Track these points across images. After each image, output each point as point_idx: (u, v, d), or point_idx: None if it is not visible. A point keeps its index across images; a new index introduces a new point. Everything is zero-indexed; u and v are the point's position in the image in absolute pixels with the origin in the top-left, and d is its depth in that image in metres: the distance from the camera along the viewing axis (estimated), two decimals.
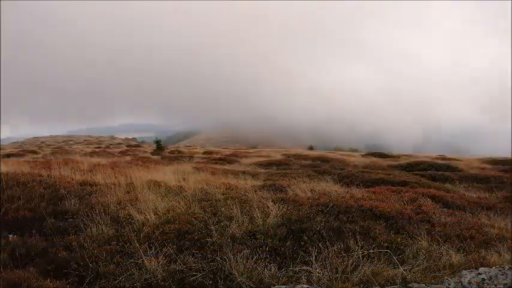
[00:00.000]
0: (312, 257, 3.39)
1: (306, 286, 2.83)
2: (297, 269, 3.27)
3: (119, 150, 30.00)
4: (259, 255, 3.37)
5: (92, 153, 20.34)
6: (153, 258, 3.33)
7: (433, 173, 12.12)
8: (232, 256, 3.31)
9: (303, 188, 7.24)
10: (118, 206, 5.17)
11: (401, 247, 3.94)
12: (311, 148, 43.98)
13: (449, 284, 2.74)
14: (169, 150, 29.52)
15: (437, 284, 2.82)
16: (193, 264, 3.28)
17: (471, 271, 2.79)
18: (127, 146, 42.05)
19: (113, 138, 78.73)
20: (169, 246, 3.61)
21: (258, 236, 3.93)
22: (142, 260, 3.30)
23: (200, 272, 3.16)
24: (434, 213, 5.67)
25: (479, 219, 5.65)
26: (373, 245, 3.83)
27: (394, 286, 2.83)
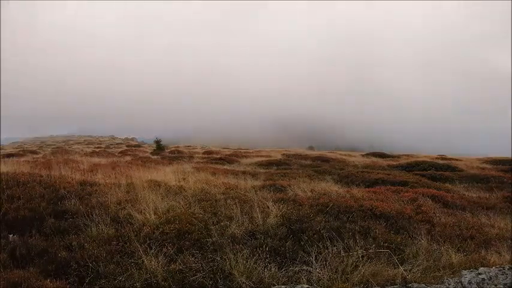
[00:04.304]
0: (312, 257, 3.39)
1: (306, 286, 2.83)
2: (297, 269, 3.27)
3: (119, 150, 29.99)
4: (259, 255, 3.37)
5: (92, 153, 20.33)
6: (153, 258, 3.33)
7: (433, 173, 12.12)
8: (232, 256, 3.31)
9: (303, 188, 7.24)
10: (118, 206, 5.16)
11: (401, 247, 3.95)
12: (311, 148, 43.97)
13: (449, 284, 2.74)
14: (169, 150, 29.50)
15: (437, 284, 2.82)
16: (194, 264, 3.28)
17: (471, 271, 2.79)
18: (127, 146, 42.03)
19: (113, 138, 78.76)
20: (169, 246, 3.61)
21: (258, 236, 3.93)
22: (142, 260, 3.30)
23: (200, 272, 3.16)
24: (434, 213, 5.68)
25: (479, 219, 5.65)
26: (373, 245, 3.83)
27: (394, 286, 2.83)
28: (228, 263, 3.24)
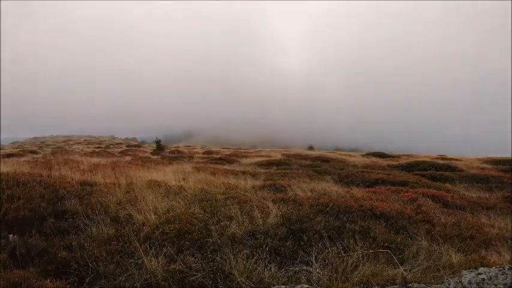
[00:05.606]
0: (312, 257, 3.39)
1: (306, 286, 2.83)
2: (297, 269, 3.27)
3: (119, 150, 29.98)
4: (259, 255, 3.37)
5: (92, 153, 20.32)
6: (153, 258, 3.33)
7: (433, 173, 12.12)
8: (232, 256, 3.31)
9: (303, 188, 7.24)
10: (118, 206, 5.16)
11: (401, 247, 3.94)
12: (311, 148, 43.98)
13: (449, 284, 2.74)
14: (169, 150, 29.50)
15: (437, 284, 2.82)
16: (193, 264, 3.28)
17: (471, 271, 2.79)
18: (127, 146, 42.03)
19: (113, 138, 78.78)
20: (169, 246, 3.61)
21: (258, 236, 3.93)
22: (143, 260, 3.30)
23: (200, 272, 3.16)
24: (434, 213, 5.68)
25: (479, 219, 5.65)
26: (373, 245, 3.83)
27: (394, 286, 2.83)
28: (228, 263, 3.24)
